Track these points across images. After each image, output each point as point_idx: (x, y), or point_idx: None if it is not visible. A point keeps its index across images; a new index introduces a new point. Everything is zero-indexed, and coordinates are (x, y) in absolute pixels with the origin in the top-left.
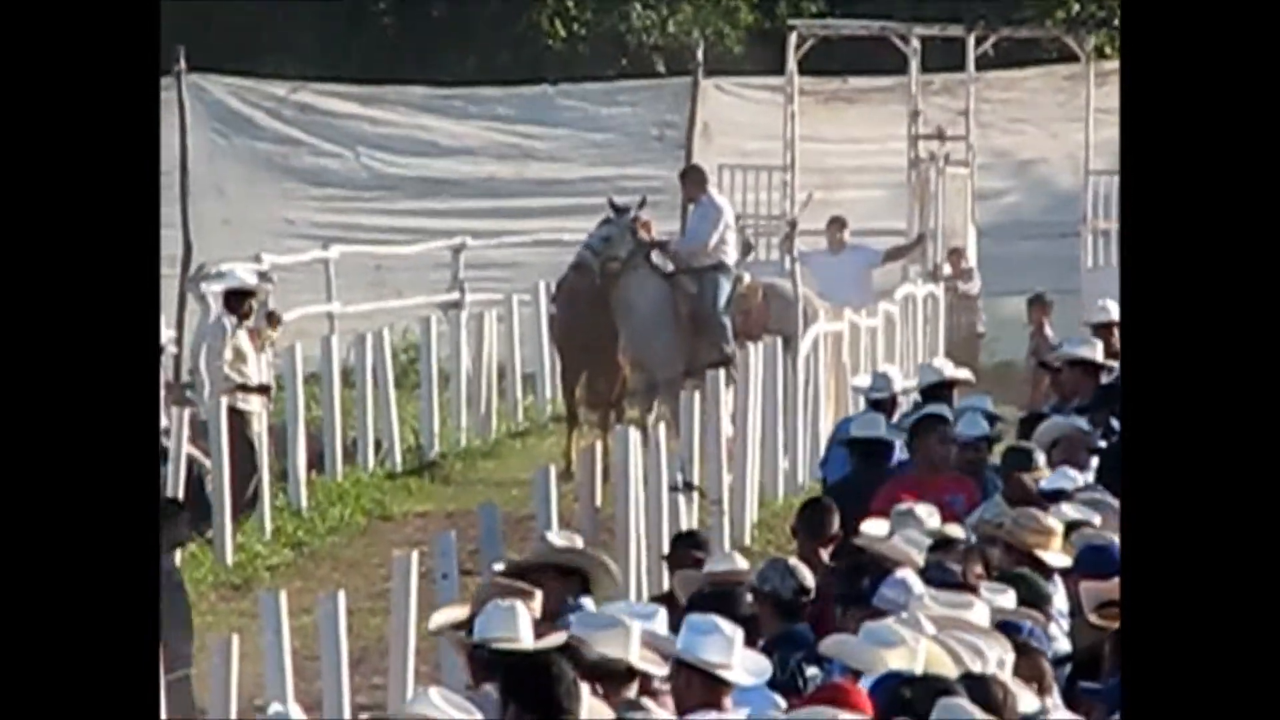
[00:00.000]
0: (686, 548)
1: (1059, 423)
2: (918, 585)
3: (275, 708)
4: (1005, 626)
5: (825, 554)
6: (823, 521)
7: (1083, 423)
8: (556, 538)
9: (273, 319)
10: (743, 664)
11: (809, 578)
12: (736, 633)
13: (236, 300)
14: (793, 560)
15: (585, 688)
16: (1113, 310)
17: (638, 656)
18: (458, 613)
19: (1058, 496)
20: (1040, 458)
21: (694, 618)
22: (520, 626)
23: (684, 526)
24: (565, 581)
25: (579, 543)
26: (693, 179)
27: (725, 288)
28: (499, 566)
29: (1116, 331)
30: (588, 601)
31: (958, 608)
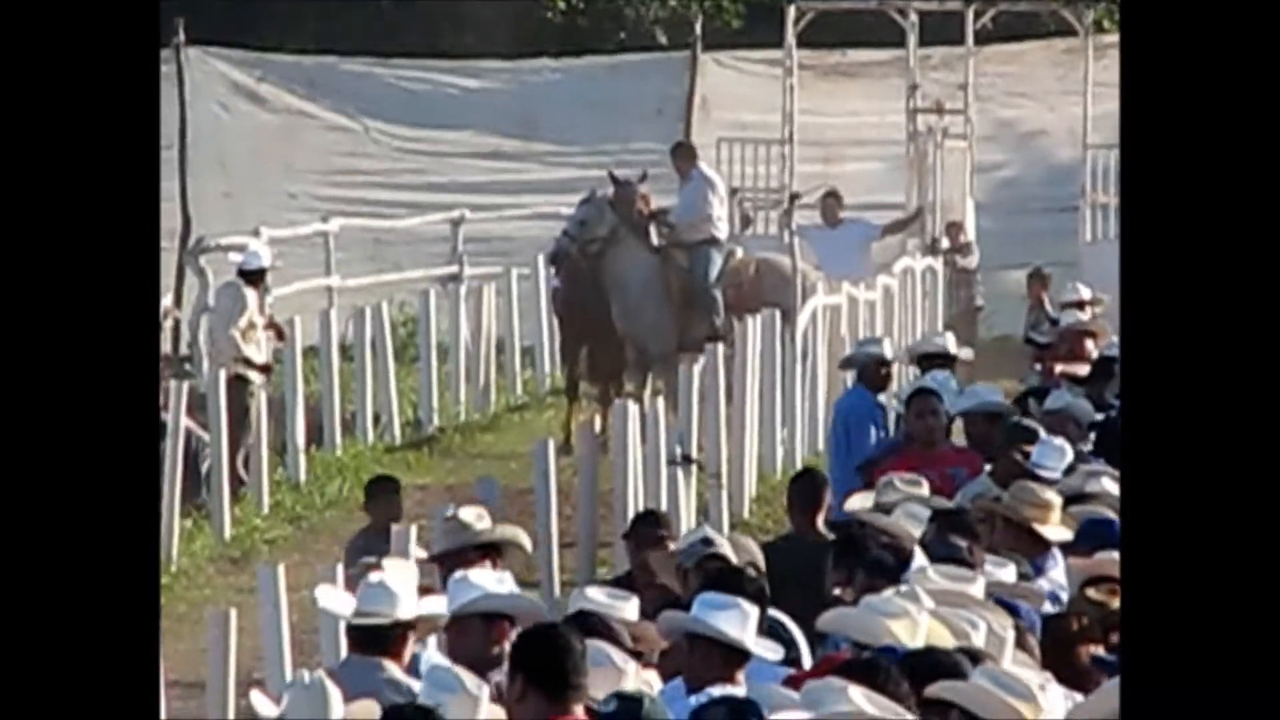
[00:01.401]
0: (648, 527)
1: (1055, 396)
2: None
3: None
4: (1002, 607)
5: (820, 524)
6: (815, 493)
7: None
8: (472, 519)
9: (278, 331)
10: (757, 641)
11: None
12: (753, 609)
13: (254, 278)
14: (712, 533)
15: (618, 653)
16: (1083, 290)
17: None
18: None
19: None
20: (1043, 434)
21: (710, 594)
22: (397, 601)
23: (682, 501)
24: (485, 560)
25: (488, 520)
26: (682, 154)
27: (716, 262)
28: (422, 554)
29: (1088, 309)
30: (505, 575)
31: (957, 581)
